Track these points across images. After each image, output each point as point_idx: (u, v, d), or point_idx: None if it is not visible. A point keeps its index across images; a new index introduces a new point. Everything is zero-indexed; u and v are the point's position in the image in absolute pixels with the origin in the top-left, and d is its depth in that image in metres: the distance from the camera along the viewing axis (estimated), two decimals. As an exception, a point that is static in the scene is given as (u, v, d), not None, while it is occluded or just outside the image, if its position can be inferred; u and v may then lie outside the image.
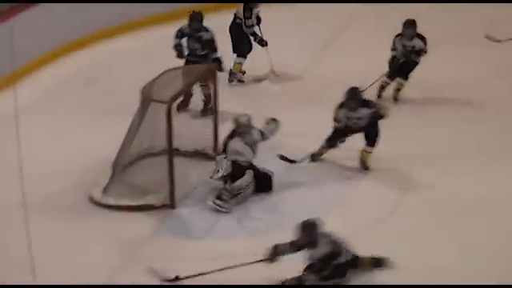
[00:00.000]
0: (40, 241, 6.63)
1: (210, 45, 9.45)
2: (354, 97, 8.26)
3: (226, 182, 7.81)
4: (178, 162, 7.89)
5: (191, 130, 8.54)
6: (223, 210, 7.75)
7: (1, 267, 6.84)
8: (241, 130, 7.85)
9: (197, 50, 9.51)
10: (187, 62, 9.54)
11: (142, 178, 8.05)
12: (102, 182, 7.99)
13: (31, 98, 9.70)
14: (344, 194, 8.11)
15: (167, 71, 8.17)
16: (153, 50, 11.04)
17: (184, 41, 9.58)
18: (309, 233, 6.21)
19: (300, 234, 6.24)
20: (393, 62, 9.92)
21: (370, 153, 8.50)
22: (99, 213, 7.75)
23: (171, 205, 7.79)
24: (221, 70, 9.40)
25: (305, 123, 9.27)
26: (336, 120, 8.39)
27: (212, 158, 8.25)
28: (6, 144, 7.09)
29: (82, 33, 11.51)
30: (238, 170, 7.81)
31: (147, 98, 7.72)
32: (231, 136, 7.88)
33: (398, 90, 10.11)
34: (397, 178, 8.39)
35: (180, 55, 9.54)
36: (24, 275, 6.41)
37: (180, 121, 8.30)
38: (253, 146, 7.90)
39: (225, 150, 7.87)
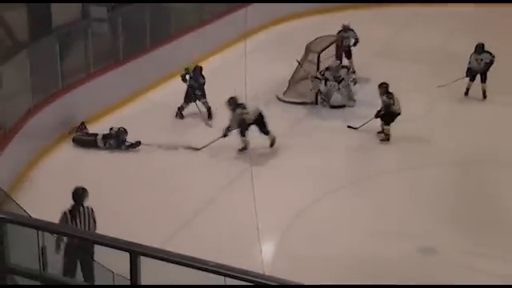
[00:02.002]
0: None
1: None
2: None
3: None
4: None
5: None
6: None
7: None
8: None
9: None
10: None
11: (302, 88, 16.21)
12: (283, 89, 16.25)
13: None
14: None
15: (319, 37, 16.37)
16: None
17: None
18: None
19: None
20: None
21: None
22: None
23: (315, 102, 15.93)
24: None
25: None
26: None
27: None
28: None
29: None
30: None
31: (308, 49, 16.03)
32: None
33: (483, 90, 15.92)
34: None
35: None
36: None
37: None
38: None
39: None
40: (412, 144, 14.14)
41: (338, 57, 16.62)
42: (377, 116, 14.13)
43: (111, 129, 13.74)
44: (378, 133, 14.28)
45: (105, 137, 13.69)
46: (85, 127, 14.13)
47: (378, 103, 14.30)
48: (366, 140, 14.44)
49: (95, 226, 9.32)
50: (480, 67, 15.68)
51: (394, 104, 13.94)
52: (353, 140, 14.45)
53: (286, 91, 16.20)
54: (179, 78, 15.01)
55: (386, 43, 18.70)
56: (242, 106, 13.39)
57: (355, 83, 15.76)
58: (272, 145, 13.72)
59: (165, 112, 15.11)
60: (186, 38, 17.03)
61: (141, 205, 12.12)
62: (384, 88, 14.03)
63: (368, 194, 12.52)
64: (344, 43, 16.85)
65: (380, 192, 12.52)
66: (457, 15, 20.58)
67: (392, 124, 14.23)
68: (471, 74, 15.74)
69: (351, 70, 15.99)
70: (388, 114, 14.04)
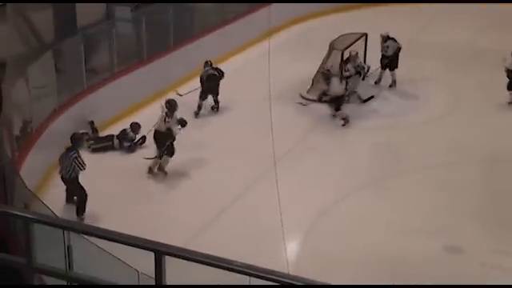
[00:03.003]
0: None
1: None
2: None
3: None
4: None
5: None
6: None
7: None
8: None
9: None
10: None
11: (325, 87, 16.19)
12: (306, 87, 16.22)
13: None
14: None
15: (342, 35, 16.33)
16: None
17: None
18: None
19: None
20: None
21: None
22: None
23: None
24: None
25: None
26: None
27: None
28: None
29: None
30: None
31: (331, 47, 16.00)
32: None
33: None
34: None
35: None
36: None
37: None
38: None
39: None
40: (437, 141, 14.07)
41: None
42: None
43: (124, 130, 13.82)
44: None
45: (119, 137, 13.77)
46: (95, 129, 14.09)
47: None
48: (391, 138, 14.40)
49: (80, 168, 11.34)
50: (387, 54, 16.19)
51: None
52: (377, 137, 14.43)
53: (309, 89, 16.19)
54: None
55: (410, 40, 18.61)
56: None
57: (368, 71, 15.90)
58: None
59: (187, 111, 15.11)
60: (209, 38, 17.07)
61: (165, 204, 12.20)
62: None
63: (393, 192, 12.47)
64: (385, 54, 16.44)
65: (405, 190, 12.48)
66: (481, 12, 20.35)
67: (418, 123, 14.23)
68: (383, 62, 16.35)
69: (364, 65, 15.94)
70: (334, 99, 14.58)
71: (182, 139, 13.10)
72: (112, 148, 13.83)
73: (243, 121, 14.23)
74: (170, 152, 12.80)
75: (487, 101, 15.78)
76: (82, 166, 11.41)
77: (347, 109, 15.20)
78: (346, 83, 15.37)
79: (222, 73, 15.31)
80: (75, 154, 11.39)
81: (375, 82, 16.53)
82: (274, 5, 17.80)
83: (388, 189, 12.64)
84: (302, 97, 16.04)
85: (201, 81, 15.15)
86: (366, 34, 16.58)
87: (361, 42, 16.49)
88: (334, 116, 14.79)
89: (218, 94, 15.38)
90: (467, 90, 16.16)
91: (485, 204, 12.02)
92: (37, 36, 14.85)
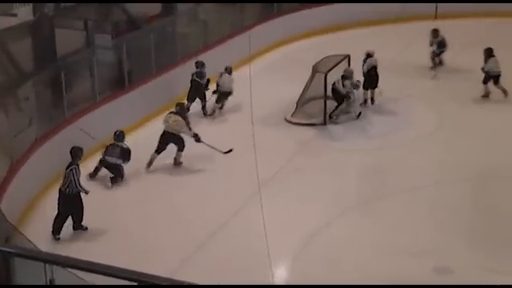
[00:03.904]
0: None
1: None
2: None
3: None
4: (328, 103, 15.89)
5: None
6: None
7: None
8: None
9: None
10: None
11: (310, 109, 16.09)
12: (291, 110, 16.14)
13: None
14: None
15: (325, 57, 16.30)
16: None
17: None
18: None
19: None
20: None
21: None
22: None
23: (324, 123, 15.80)
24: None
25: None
26: None
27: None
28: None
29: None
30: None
31: (314, 70, 15.94)
32: None
33: None
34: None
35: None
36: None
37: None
38: None
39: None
40: (425, 161, 13.95)
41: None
42: None
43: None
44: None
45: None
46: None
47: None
48: (378, 158, 14.29)
49: (75, 185, 11.51)
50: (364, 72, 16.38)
51: None
52: (364, 158, 14.32)
53: (293, 113, 16.09)
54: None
55: (392, 60, 18.65)
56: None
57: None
58: None
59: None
60: (192, 63, 16.99)
61: (155, 226, 12.03)
62: None
63: (381, 213, 12.34)
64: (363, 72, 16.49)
65: (393, 211, 12.34)
66: (465, 29, 20.40)
67: (404, 143, 14.38)
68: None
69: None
70: None
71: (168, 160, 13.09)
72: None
73: (228, 144, 14.08)
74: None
75: (472, 118, 15.74)
76: (79, 183, 11.54)
77: (338, 129, 15.27)
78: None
79: (207, 81, 15.80)
80: (72, 167, 11.54)
81: (360, 104, 16.43)
82: (257, 28, 17.85)
83: (376, 210, 12.49)
84: (287, 120, 15.94)
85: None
86: (348, 56, 16.55)
87: (344, 64, 16.45)
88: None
89: (204, 100, 15.80)
90: (452, 107, 16.13)
91: (474, 223, 11.89)
92: (16, 66, 14.68)
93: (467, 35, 19.79)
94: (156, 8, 17.57)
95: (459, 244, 11.22)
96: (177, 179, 13.59)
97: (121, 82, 15.76)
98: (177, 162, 13.96)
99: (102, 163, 13.44)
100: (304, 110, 16.18)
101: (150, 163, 13.75)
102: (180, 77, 16.32)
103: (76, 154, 11.83)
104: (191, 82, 15.85)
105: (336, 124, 15.60)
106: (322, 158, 14.43)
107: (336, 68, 16.09)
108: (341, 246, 11.34)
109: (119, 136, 13.53)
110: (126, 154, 13.34)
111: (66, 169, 11.60)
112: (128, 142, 13.73)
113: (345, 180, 13.54)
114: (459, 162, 13.80)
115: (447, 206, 12.33)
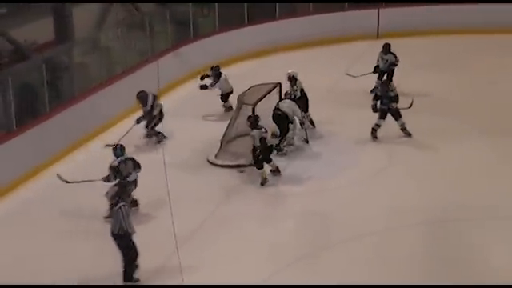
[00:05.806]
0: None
1: None
2: None
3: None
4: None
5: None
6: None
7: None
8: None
9: None
10: None
11: (237, 149, 13.79)
12: (214, 151, 13.80)
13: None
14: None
15: (252, 87, 14.03)
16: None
17: None
18: None
19: None
20: None
21: None
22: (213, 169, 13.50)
23: (254, 164, 13.47)
24: None
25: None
26: None
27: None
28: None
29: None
30: None
31: (240, 101, 13.62)
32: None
33: None
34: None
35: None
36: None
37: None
38: None
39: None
40: (371, 205, 12.13)
41: None
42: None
43: None
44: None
45: None
46: None
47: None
48: (320, 203, 12.32)
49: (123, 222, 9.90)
50: (385, 67, 16.44)
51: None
52: (301, 205, 12.33)
53: (218, 153, 13.81)
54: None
55: (331, 86, 16.99)
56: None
57: None
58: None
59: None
60: (94, 98, 14.56)
61: None
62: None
63: (328, 266, 10.56)
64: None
65: (342, 263, 10.59)
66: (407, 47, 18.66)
67: (348, 184, 12.69)
68: (377, 71, 16.58)
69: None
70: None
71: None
72: None
73: (140, 194, 11.79)
74: None
75: (421, 154, 13.93)
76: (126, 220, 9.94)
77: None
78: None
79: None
80: (120, 204, 10.01)
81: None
82: (165, 57, 16.51)
83: (322, 262, 10.68)
84: (210, 162, 13.65)
85: None
86: (279, 84, 14.38)
87: (274, 94, 14.26)
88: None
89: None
90: (400, 142, 14.38)
91: (432, 271, 10.28)
92: None
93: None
94: (48, 35, 15.16)
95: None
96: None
97: (7, 125, 13.14)
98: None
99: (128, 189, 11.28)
100: (230, 150, 13.91)
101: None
102: (77, 116, 14.14)
103: (122, 187, 10.82)
104: None
105: (285, 155, 13.78)
106: (253, 205, 12.38)
107: (266, 99, 13.89)
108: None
109: (121, 150, 11.76)
110: (136, 162, 11.77)
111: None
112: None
113: (280, 230, 11.63)
114: (412, 204, 12.08)
115: (402, 254, 10.73)
